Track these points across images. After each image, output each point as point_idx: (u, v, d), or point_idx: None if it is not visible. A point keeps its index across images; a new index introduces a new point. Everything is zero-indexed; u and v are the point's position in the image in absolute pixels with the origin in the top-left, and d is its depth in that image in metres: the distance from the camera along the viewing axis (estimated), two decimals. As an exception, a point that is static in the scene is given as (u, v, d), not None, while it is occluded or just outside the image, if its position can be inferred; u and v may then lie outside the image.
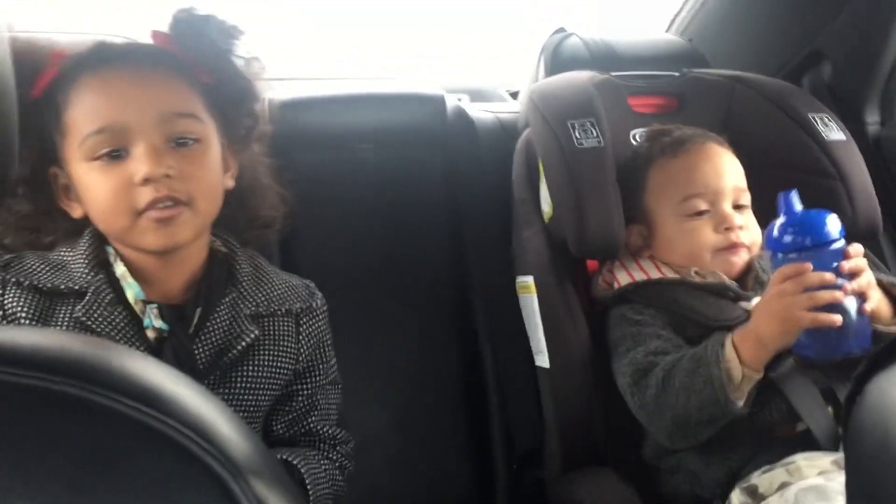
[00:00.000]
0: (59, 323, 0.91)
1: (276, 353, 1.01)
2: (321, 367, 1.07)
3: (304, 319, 1.05)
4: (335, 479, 1.04)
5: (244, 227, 1.09)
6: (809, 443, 1.03)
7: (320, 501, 0.99)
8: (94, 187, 0.91)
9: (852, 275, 1.00)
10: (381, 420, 1.35)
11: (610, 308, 1.23)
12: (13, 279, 0.91)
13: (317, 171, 1.44)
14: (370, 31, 2.48)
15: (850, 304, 1.00)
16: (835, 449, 1.02)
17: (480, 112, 1.69)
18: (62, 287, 0.92)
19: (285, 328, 1.03)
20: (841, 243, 1.03)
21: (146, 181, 0.89)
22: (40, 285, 0.92)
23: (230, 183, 1.03)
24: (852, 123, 1.47)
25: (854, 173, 1.29)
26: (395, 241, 1.46)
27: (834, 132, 1.32)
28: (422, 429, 1.36)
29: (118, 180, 0.90)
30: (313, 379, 1.06)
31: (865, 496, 0.53)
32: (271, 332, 1.01)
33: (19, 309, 0.90)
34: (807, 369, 1.10)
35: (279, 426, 1.04)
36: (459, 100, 1.74)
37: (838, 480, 0.92)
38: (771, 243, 1.06)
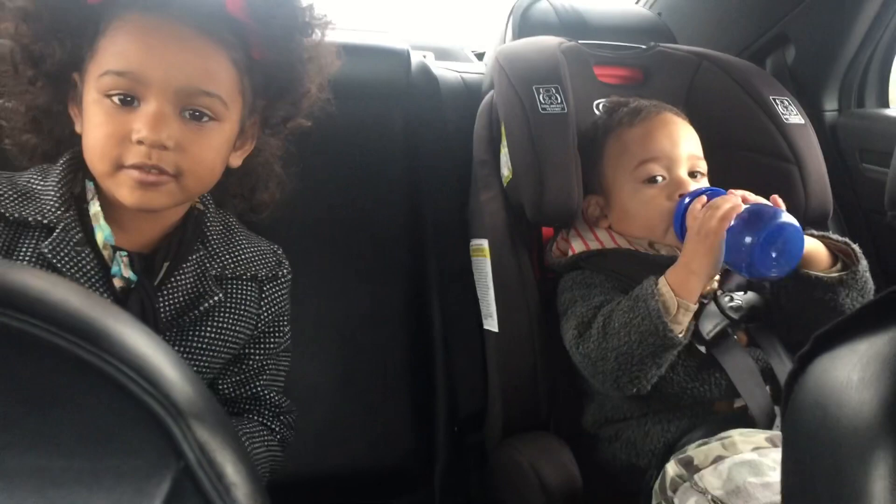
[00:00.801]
0: (22, 256, 0.87)
1: (236, 317, 0.99)
2: (277, 334, 1.06)
3: (268, 287, 1.03)
4: (274, 453, 1.03)
5: (231, 199, 1.06)
6: (746, 419, 1.06)
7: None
8: (95, 121, 0.88)
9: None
10: (324, 376, 1.34)
11: (561, 276, 1.23)
12: None
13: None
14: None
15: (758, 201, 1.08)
16: (770, 427, 1.05)
17: (445, 70, 1.67)
18: (29, 219, 0.88)
19: (248, 293, 1.01)
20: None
21: (141, 143, 0.86)
22: (7, 213, 0.87)
23: (237, 162, 1.00)
24: (810, 108, 1.49)
25: (810, 158, 1.31)
26: (350, 193, 1.44)
27: (793, 116, 1.34)
28: (364, 387, 1.35)
29: (117, 128, 0.86)
30: (267, 345, 1.05)
31: (801, 474, 0.54)
32: (233, 296, 0.99)
33: None
34: (748, 348, 1.12)
35: (226, 386, 1.02)
36: (424, 56, 1.71)
37: (771, 456, 0.94)
38: (676, 216, 1.14)
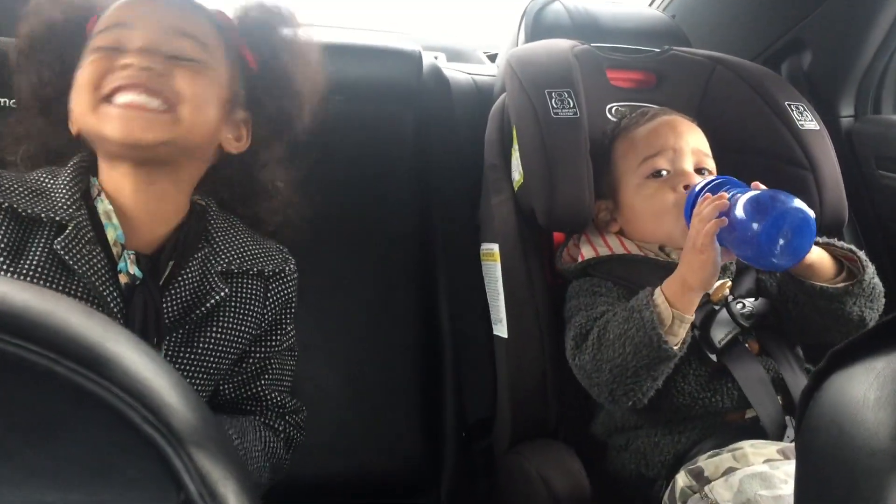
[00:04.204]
0: (34, 253, 0.86)
1: (242, 314, 0.98)
2: (279, 332, 1.05)
3: (274, 284, 1.03)
4: (275, 451, 1.01)
5: (234, 208, 1.07)
6: (757, 430, 1.04)
7: (253, 475, 0.97)
8: (82, 70, 0.92)
9: None
10: (332, 378, 1.33)
11: (571, 282, 1.22)
12: None
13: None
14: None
15: (766, 188, 1.03)
16: (780, 437, 1.04)
17: (456, 72, 1.66)
18: (42, 215, 0.87)
19: (254, 290, 1.00)
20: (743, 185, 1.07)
21: (126, 66, 0.89)
22: (20, 209, 0.87)
23: (230, 146, 1.02)
24: (826, 114, 1.47)
25: (825, 164, 1.29)
26: (360, 195, 1.43)
27: (808, 122, 1.32)
28: (373, 390, 1.35)
29: (103, 64, 0.90)
30: (269, 343, 1.03)
31: (815, 493, 0.53)
32: (239, 293, 0.98)
33: None
34: (760, 357, 1.11)
35: (227, 387, 1.01)
36: (436, 58, 1.71)
37: (783, 469, 0.93)
38: (686, 215, 1.10)
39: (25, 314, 0.32)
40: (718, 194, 1.04)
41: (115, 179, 0.93)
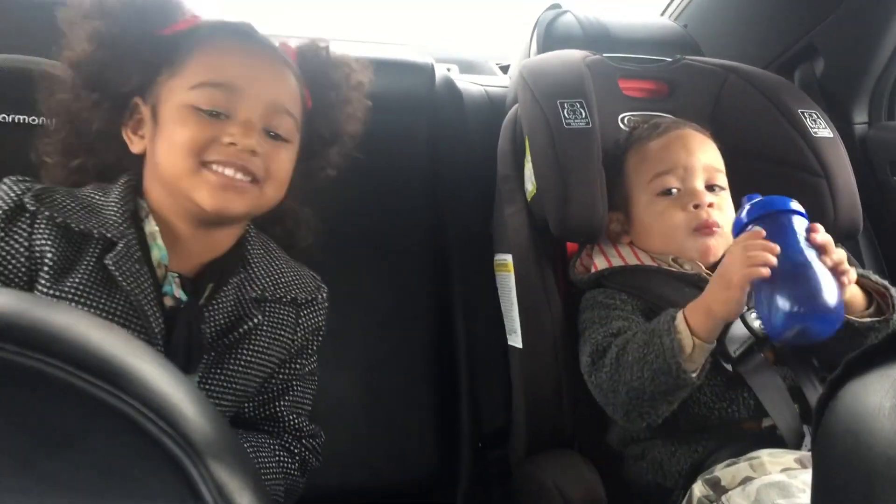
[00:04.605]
0: (83, 268, 0.87)
1: (272, 339, 0.99)
2: (304, 355, 1.05)
3: (305, 311, 1.04)
4: (289, 471, 1.01)
5: (266, 228, 1.10)
6: (774, 439, 1.04)
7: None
8: (180, 125, 0.91)
9: (822, 249, 0.97)
10: (347, 389, 1.33)
11: (584, 292, 1.22)
12: (47, 213, 0.88)
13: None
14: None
15: (813, 268, 0.94)
16: (799, 447, 1.03)
17: (469, 84, 1.67)
18: (94, 231, 0.89)
19: (285, 316, 1.01)
20: (803, 219, 1.00)
21: (231, 144, 0.90)
22: (73, 225, 0.89)
23: None
24: (840, 121, 1.46)
25: (839, 172, 1.29)
26: (374, 207, 1.44)
27: (822, 129, 1.32)
28: (388, 400, 1.35)
29: (207, 132, 0.91)
30: (293, 367, 1.04)
31: (831, 501, 0.52)
32: (271, 318, 1.00)
33: (48, 247, 0.87)
34: (776, 366, 1.10)
35: (247, 406, 1.01)
36: (448, 70, 1.71)
37: (801, 478, 0.92)
38: (735, 226, 1.05)
39: (45, 328, 0.33)
40: (773, 245, 0.96)
41: (168, 212, 0.95)
